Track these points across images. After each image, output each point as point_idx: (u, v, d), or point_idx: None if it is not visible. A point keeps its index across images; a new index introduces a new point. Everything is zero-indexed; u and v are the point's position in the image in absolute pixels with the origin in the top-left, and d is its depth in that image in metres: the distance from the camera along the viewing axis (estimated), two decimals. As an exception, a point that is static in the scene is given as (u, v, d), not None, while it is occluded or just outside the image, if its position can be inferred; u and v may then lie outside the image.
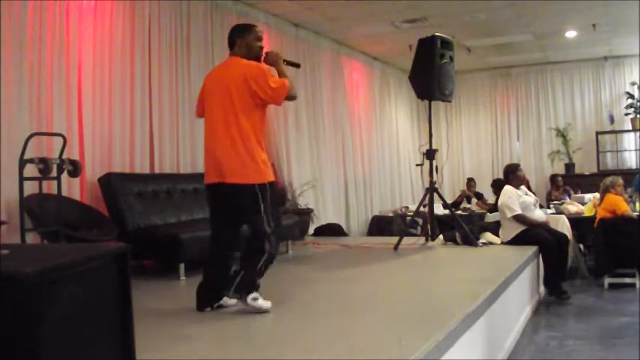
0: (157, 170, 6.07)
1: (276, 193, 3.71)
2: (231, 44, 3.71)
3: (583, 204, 7.71)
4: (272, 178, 3.63)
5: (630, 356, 4.12)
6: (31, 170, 4.39)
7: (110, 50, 5.62)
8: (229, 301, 3.68)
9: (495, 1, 7.80)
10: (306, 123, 8.63)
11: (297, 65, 4.00)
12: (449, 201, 7.93)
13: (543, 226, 6.11)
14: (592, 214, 7.05)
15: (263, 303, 3.52)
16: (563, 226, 6.65)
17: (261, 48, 3.74)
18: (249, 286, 3.54)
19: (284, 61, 3.76)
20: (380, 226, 9.91)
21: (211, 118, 3.60)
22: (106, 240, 4.71)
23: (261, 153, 3.57)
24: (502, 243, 6.22)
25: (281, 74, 3.67)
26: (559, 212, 7.41)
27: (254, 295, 3.50)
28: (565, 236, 6.12)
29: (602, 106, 11.96)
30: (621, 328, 4.85)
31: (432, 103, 6.67)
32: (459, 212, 8.73)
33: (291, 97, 3.66)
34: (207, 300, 3.64)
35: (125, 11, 5.80)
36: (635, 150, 11.41)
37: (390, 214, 10.18)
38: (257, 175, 3.51)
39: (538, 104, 12.45)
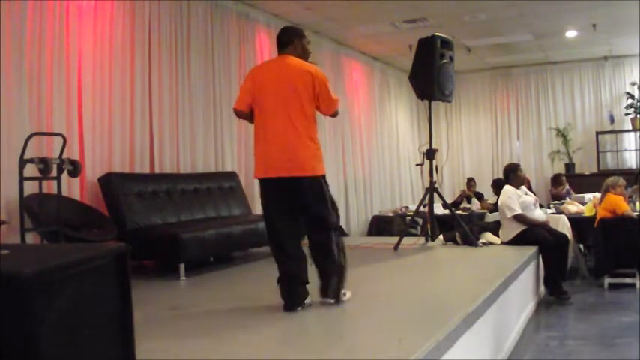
0: (157, 170, 6.06)
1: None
2: (285, 43, 3.77)
3: (583, 204, 7.71)
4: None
5: (630, 356, 4.12)
6: (31, 170, 4.39)
7: (110, 50, 5.62)
8: (328, 300, 3.66)
9: (495, 1, 7.80)
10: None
11: None
12: (449, 201, 7.93)
13: (543, 226, 6.10)
14: (592, 214, 7.04)
15: (349, 294, 3.69)
16: (563, 226, 6.64)
17: (310, 53, 3.86)
18: (342, 285, 3.63)
19: None
20: (380, 226, 9.91)
21: (277, 112, 3.57)
22: (105, 240, 4.71)
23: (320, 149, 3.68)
24: (502, 243, 6.22)
25: None
26: (559, 212, 7.40)
27: (343, 291, 3.65)
28: (565, 236, 6.12)
29: (602, 106, 11.96)
30: (621, 328, 4.85)
31: (432, 103, 6.66)
32: (459, 212, 8.72)
33: (336, 114, 3.82)
34: (298, 297, 3.56)
35: (125, 11, 5.80)
36: (635, 150, 11.41)
37: (390, 214, 10.17)
38: (322, 168, 3.64)
39: (538, 104, 12.45)
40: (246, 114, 3.77)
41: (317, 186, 3.59)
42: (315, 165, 3.58)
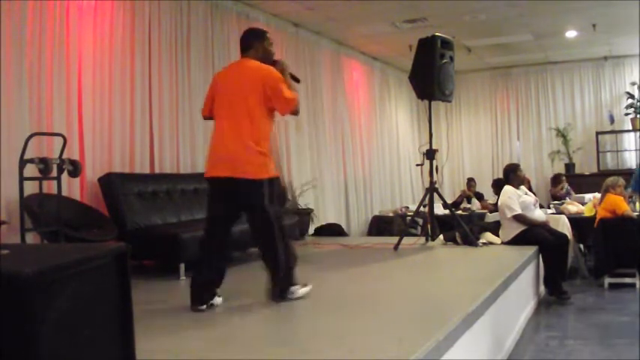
0: (157, 170, 6.06)
1: (280, 189, 3.91)
2: (247, 47, 3.86)
3: (583, 204, 7.71)
4: (277, 174, 3.80)
5: (630, 356, 4.12)
6: (31, 170, 4.39)
7: (110, 50, 5.62)
8: (218, 299, 3.72)
9: (495, 1, 7.80)
10: (306, 123, 8.63)
11: (297, 80, 4.06)
12: (449, 201, 7.93)
13: (543, 226, 6.11)
14: (592, 214, 7.04)
15: (303, 290, 3.76)
16: (563, 226, 6.64)
17: (274, 54, 3.93)
18: (288, 284, 3.70)
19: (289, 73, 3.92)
20: (380, 226, 9.91)
21: (224, 116, 3.71)
22: (106, 240, 4.71)
23: (270, 152, 3.72)
24: (502, 243, 6.22)
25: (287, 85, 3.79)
26: (559, 212, 7.41)
27: (292, 289, 3.71)
28: (565, 236, 6.12)
29: (602, 106, 11.96)
30: (621, 328, 4.85)
31: (432, 103, 6.66)
32: (459, 212, 8.72)
33: (296, 112, 3.85)
34: (204, 298, 3.63)
35: (125, 11, 5.80)
36: (635, 150, 11.41)
37: (390, 214, 10.17)
38: (267, 171, 3.64)
39: (538, 104, 12.45)
40: (210, 118, 3.95)
41: (257, 188, 3.61)
42: (257, 168, 3.60)
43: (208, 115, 3.94)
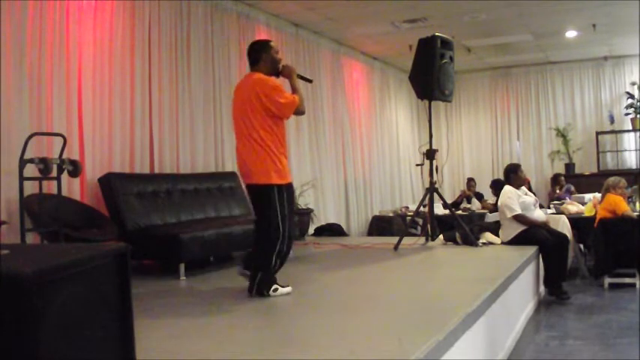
0: (156, 170, 6.06)
1: (292, 196, 4.13)
2: (256, 60, 4.05)
3: (583, 204, 7.71)
4: (289, 180, 4.01)
5: (630, 356, 4.12)
6: (31, 170, 4.39)
7: (110, 50, 5.62)
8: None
9: (495, 1, 7.80)
10: (306, 123, 8.63)
11: (309, 80, 4.28)
12: (449, 201, 7.92)
13: (543, 226, 6.11)
14: (592, 214, 7.04)
15: (284, 290, 3.95)
16: (563, 226, 6.64)
17: (280, 60, 4.12)
18: (269, 283, 3.91)
19: (297, 75, 4.15)
20: (380, 226, 9.91)
21: (235, 129, 4.05)
22: (106, 240, 4.71)
23: (278, 157, 3.91)
24: (502, 243, 6.22)
25: (293, 88, 4.05)
26: (559, 212, 7.41)
27: (274, 287, 3.92)
28: (565, 236, 6.11)
29: (602, 106, 11.96)
30: (621, 328, 4.85)
31: (432, 103, 6.67)
32: (459, 212, 8.73)
33: (299, 112, 4.08)
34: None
35: (125, 11, 5.80)
36: (635, 150, 11.42)
37: (390, 214, 10.17)
38: (274, 177, 3.87)
39: (538, 104, 12.45)
40: None
41: (263, 193, 3.90)
42: (265, 174, 3.87)
43: None
